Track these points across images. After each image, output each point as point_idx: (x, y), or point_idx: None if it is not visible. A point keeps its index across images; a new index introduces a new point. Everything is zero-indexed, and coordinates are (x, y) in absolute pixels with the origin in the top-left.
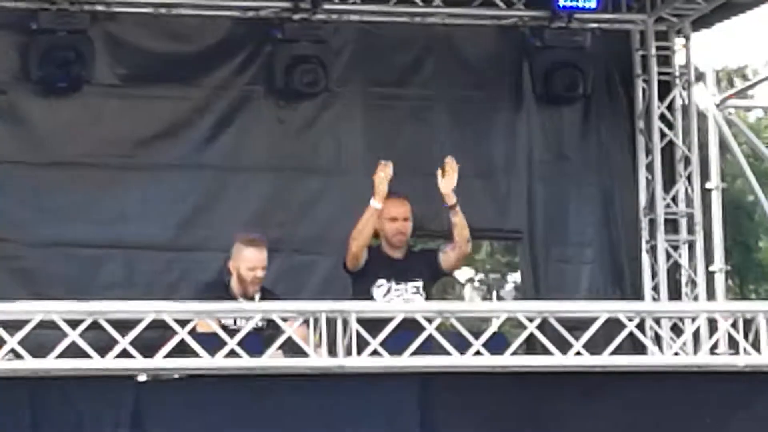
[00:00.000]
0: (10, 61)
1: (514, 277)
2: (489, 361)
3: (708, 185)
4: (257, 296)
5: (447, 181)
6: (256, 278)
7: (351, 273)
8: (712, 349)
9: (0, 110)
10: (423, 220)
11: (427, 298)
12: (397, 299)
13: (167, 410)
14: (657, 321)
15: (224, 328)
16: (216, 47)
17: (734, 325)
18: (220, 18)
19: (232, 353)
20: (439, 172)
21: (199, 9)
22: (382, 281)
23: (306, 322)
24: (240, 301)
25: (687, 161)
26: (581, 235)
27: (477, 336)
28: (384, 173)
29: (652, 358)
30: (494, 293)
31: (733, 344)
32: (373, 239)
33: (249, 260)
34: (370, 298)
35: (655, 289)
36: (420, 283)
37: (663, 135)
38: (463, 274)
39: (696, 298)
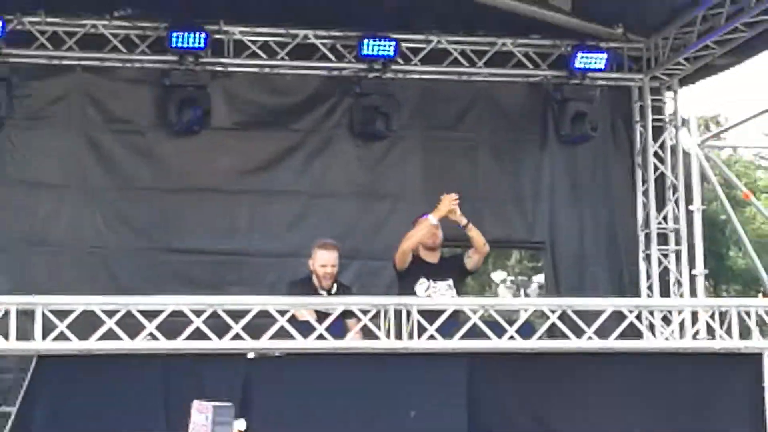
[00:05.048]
0: (147, 109)
1: (539, 279)
2: (520, 344)
3: (691, 207)
4: (333, 288)
5: (451, 215)
6: (327, 273)
7: (398, 273)
8: (694, 336)
9: (140, 148)
10: None
11: (458, 293)
12: (435, 294)
13: (271, 382)
14: (651, 313)
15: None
16: (308, 99)
17: (712, 316)
18: (312, 76)
19: (320, 337)
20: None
21: (295, 69)
22: (423, 280)
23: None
24: (322, 294)
25: (674, 188)
26: (592, 246)
27: (510, 324)
28: (451, 200)
29: (648, 342)
30: (522, 291)
31: (710, 332)
32: None
33: (321, 259)
34: (413, 293)
35: (650, 288)
36: (451, 281)
37: (656, 168)
38: (497, 276)
39: (681, 296)
